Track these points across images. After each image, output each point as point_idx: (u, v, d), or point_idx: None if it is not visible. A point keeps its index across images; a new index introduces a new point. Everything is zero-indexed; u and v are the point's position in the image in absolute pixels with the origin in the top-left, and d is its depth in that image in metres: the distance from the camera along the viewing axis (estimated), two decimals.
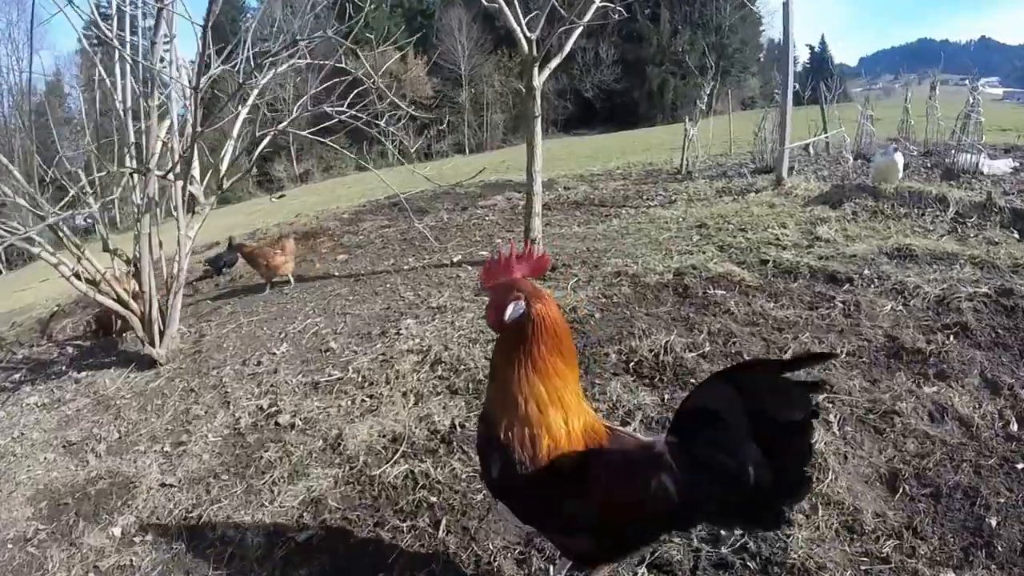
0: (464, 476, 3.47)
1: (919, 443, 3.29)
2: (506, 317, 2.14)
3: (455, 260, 7.47)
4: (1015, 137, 12.18)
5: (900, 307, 4.75)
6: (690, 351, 4.37)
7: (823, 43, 62.70)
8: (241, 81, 5.54)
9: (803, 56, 58.51)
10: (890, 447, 3.28)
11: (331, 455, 3.82)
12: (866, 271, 5.37)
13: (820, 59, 52.61)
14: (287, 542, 3.14)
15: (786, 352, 4.29)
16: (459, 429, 3.90)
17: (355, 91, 6.32)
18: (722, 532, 2.78)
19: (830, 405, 3.62)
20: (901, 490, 2.99)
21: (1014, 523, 2.75)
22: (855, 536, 2.75)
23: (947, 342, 4.16)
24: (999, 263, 5.38)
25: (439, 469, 3.52)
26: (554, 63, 6.99)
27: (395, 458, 3.67)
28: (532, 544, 2.93)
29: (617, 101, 50.36)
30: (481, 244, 8.22)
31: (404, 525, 3.15)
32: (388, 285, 6.83)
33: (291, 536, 3.17)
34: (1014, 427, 3.36)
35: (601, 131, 43.76)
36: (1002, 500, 2.87)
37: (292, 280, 7.57)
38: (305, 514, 3.34)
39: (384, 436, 3.91)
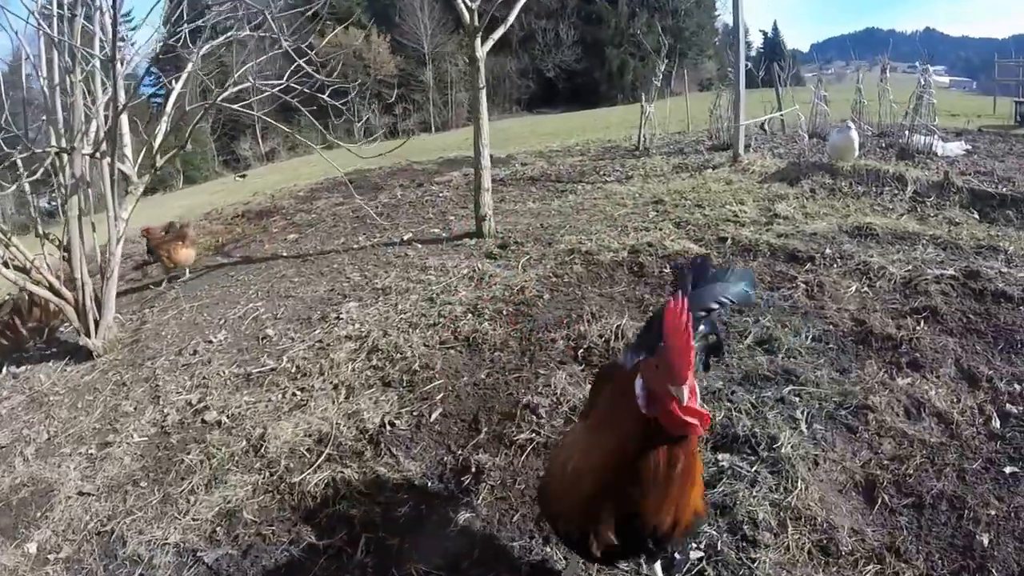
0: (390, 485, 3.05)
1: (896, 444, 2.84)
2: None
3: (405, 238, 6.95)
4: (964, 122, 12.11)
5: (866, 288, 4.33)
6: None
7: (776, 29, 62.48)
8: (160, 53, 4.98)
9: (757, 41, 58.36)
10: (865, 448, 2.83)
11: (252, 458, 3.38)
12: (827, 250, 4.96)
13: (773, 44, 52.46)
14: (196, 563, 2.76)
15: (747, 337, 3.82)
16: (388, 428, 3.47)
17: (294, 65, 5.71)
18: (676, 556, 2.29)
19: (796, 399, 3.17)
20: (880, 500, 2.54)
21: (1008, 540, 2.31)
22: (830, 559, 2.30)
23: (918, 328, 3.74)
24: (962, 244, 5.03)
25: (363, 476, 3.12)
26: (497, 34, 6.49)
27: (319, 462, 3.25)
28: (459, 570, 2.49)
29: (578, 81, 49.70)
30: (433, 221, 7.69)
31: (321, 543, 2.74)
32: (335, 265, 6.30)
33: (200, 556, 2.78)
34: (996, 424, 2.93)
35: (563, 110, 43.21)
36: (992, 512, 2.43)
37: (187, 272, 6.98)
38: (219, 528, 2.93)
39: (310, 436, 3.48)
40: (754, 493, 2.57)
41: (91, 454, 3.72)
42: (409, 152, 16.65)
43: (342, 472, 3.13)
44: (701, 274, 2.02)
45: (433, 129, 44.23)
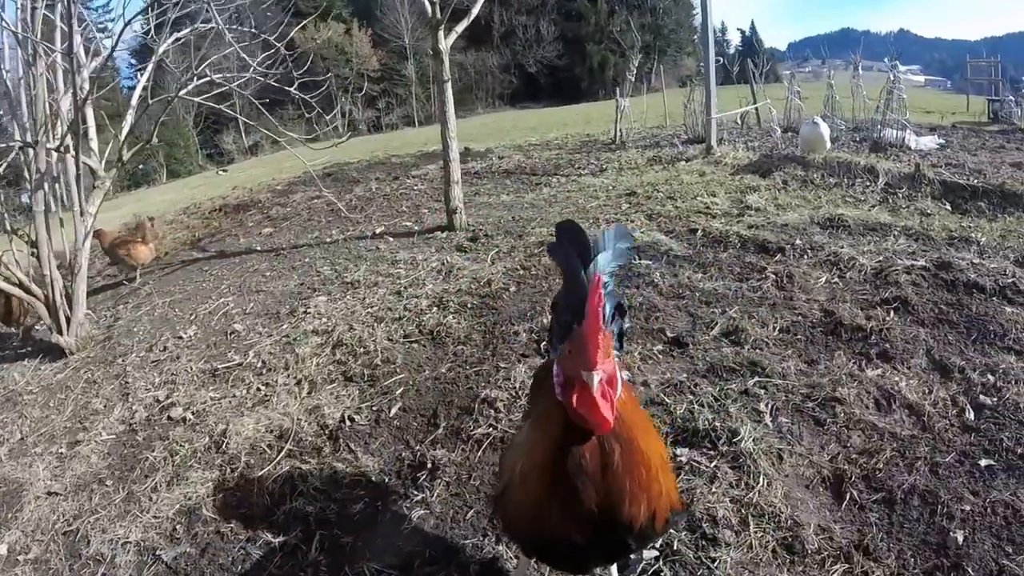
0: (346, 481, 2.91)
1: (866, 437, 2.69)
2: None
3: (377, 231, 6.79)
4: (938, 118, 12.15)
5: (836, 279, 4.20)
6: None
7: (753, 28, 62.85)
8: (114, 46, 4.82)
9: (735, 40, 58.64)
10: (833, 442, 2.68)
11: (214, 455, 3.25)
12: (798, 241, 4.83)
13: (750, 42, 52.76)
14: (156, 561, 2.66)
15: (713, 328, 3.68)
16: (347, 423, 3.33)
17: (255, 62, 5.54)
18: (631, 557, 2.13)
19: (762, 391, 3.01)
20: (848, 496, 2.38)
21: (984, 537, 2.17)
22: (796, 558, 2.14)
23: (888, 318, 3.60)
24: (934, 235, 4.94)
25: (321, 472, 2.99)
26: (461, 26, 6.42)
27: (278, 458, 3.12)
28: (411, 569, 2.35)
29: (560, 76, 49.45)
30: (407, 214, 7.53)
31: (276, 541, 2.62)
32: (307, 259, 6.13)
33: (160, 554, 2.68)
34: (970, 415, 2.80)
35: (547, 105, 43.07)
36: (967, 508, 2.28)
37: (138, 275, 6.66)
38: (179, 526, 2.81)
39: (271, 432, 3.34)
40: (713, 489, 2.40)
41: (61, 453, 3.57)
42: (390, 146, 16.52)
43: (300, 468, 3.01)
44: (582, 249, 1.85)
45: (416, 123, 43.95)
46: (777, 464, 2.53)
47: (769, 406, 2.89)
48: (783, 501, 2.33)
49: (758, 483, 2.40)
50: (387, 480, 2.88)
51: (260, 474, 3.01)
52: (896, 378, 3.06)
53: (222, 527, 2.76)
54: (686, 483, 2.46)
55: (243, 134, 41.67)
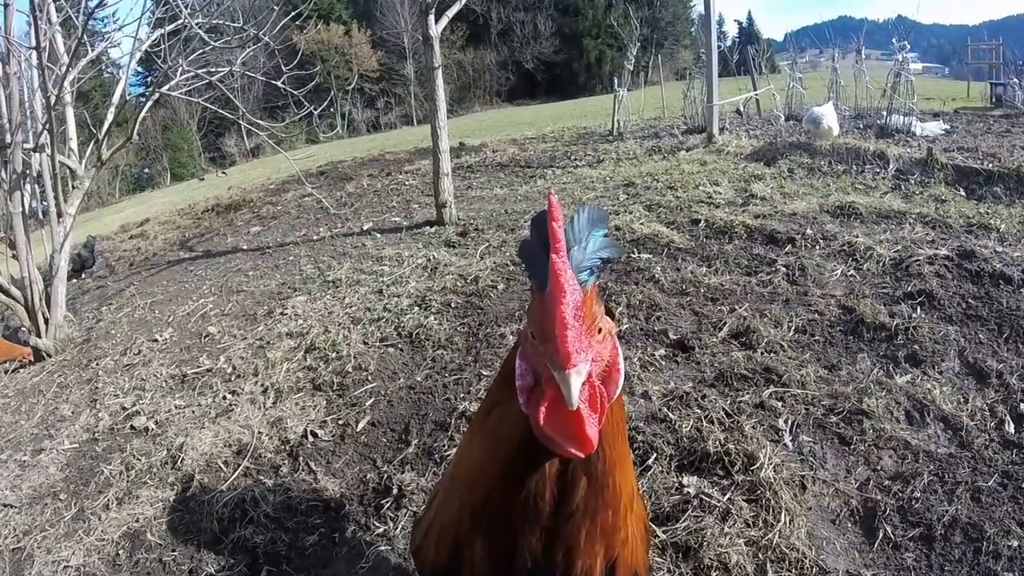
0: (302, 507, 2.55)
1: (899, 457, 2.30)
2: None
3: (365, 228, 6.46)
4: (940, 104, 11.85)
5: (852, 271, 3.81)
6: None
7: (750, 18, 62.19)
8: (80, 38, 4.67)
9: (732, 31, 58.10)
10: (861, 464, 2.29)
11: (169, 471, 2.89)
12: (808, 230, 4.44)
13: (748, 32, 52.22)
14: None
15: (721, 329, 3.29)
16: (310, 438, 2.96)
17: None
18: None
19: (779, 403, 2.62)
20: (881, 533, 2.00)
21: None
22: None
23: (914, 315, 3.21)
24: (951, 222, 4.54)
25: (275, 495, 2.61)
26: (452, 11, 6.03)
27: (233, 477, 2.77)
28: None
29: (557, 72, 48.86)
30: (396, 210, 7.22)
31: (220, 575, 2.27)
32: (291, 258, 5.82)
33: None
34: (1010, 428, 2.41)
35: (543, 101, 42.75)
36: (1015, 543, 1.91)
37: None
38: (122, 551, 2.49)
39: (229, 446, 2.98)
40: (726, 529, 2.01)
41: (24, 461, 3.26)
42: (387, 144, 16.24)
43: (254, 490, 2.64)
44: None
45: (415, 122, 43.58)
46: (799, 495, 2.14)
47: (788, 422, 2.50)
48: (806, 542, 1.94)
49: (779, 520, 2.01)
50: (348, 507, 2.53)
51: (212, 495, 2.67)
52: (928, 385, 2.67)
53: (166, 555, 2.44)
54: (694, 522, 2.06)
55: (244, 136, 41.40)
